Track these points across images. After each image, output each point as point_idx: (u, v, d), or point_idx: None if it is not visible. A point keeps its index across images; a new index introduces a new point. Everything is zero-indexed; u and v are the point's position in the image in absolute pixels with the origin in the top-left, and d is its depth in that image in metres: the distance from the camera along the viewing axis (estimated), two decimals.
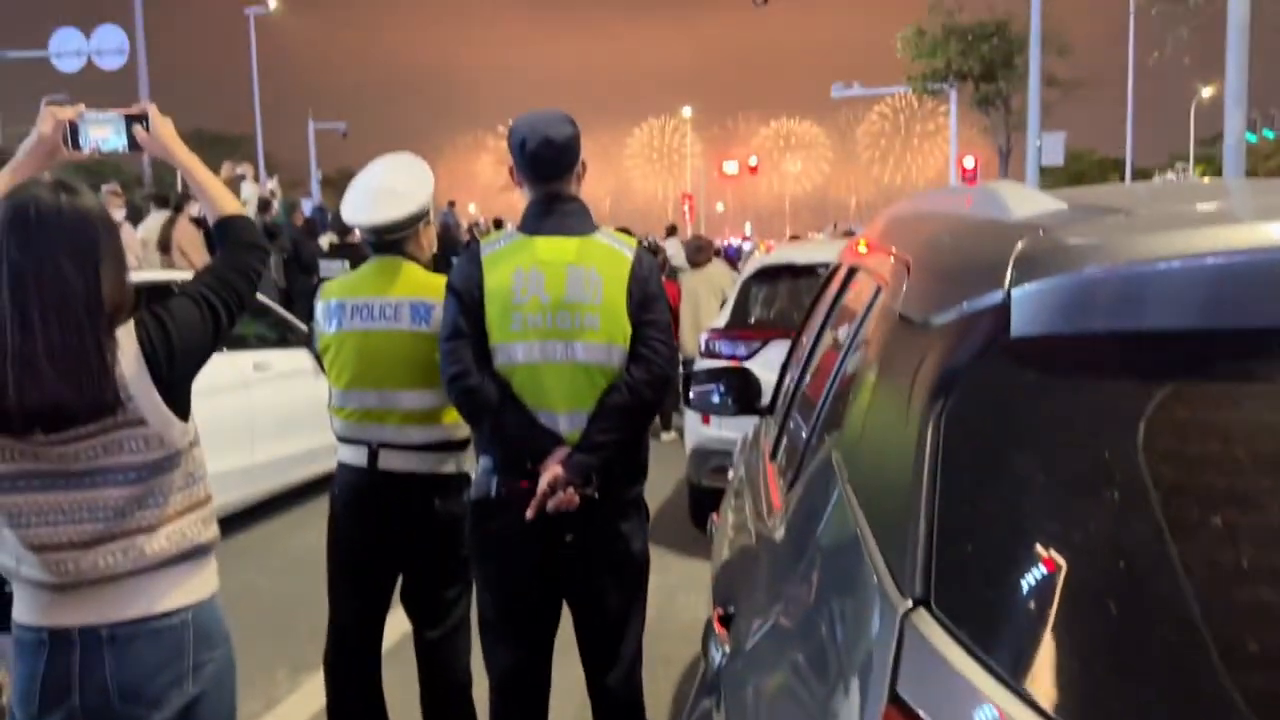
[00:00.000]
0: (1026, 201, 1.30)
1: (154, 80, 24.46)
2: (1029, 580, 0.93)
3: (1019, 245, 1.09)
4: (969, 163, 27.29)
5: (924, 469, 1.04)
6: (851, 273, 2.28)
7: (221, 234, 2.17)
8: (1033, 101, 20.55)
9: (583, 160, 2.94)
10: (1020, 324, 1.04)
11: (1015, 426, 1.03)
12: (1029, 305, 1.03)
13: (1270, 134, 31.46)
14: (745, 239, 36.70)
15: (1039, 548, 0.94)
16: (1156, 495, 0.92)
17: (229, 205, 2.20)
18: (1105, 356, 1.01)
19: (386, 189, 3.27)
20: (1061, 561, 0.92)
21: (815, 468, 1.52)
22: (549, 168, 2.83)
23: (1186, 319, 0.99)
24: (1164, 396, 0.98)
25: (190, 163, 2.19)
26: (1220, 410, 0.98)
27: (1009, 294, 1.05)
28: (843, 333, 1.99)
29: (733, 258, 21.95)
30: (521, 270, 2.77)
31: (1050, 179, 49.26)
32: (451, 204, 23.30)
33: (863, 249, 2.16)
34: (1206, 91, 38.16)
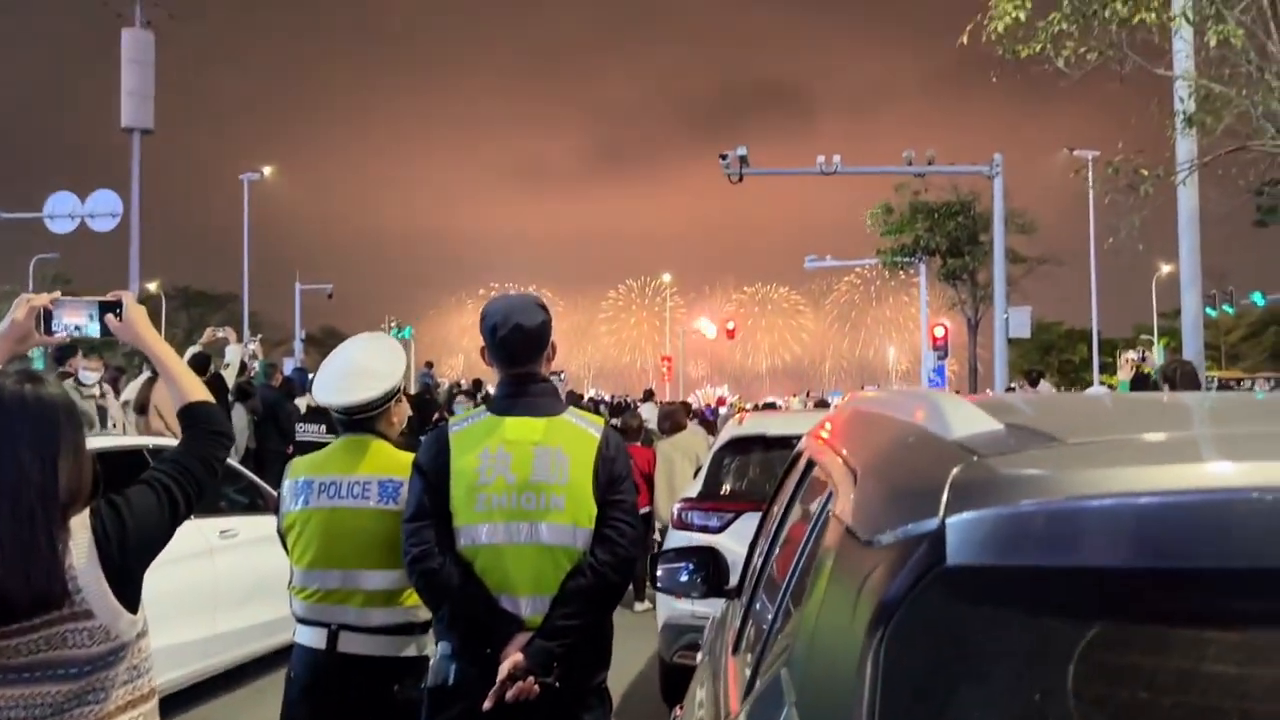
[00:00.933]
0: (966, 420, 1.33)
1: (145, 239, 24.94)
2: None
3: (954, 472, 1.11)
4: (939, 332, 27.83)
5: (864, 699, 1.03)
6: (810, 466, 2.30)
7: (187, 421, 2.18)
8: (998, 279, 21.24)
9: (552, 343, 3.01)
10: (955, 552, 1.05)
11: (952, 658, 1.03)
12: (963, 534, 1.05)
13: (1230, 309, 32.42)
14: (721, 403, 36.91)
15: None
16: None
17: (195, 392, 2.22)
18: (1039, 591, 1.01)
19: (359, 370, 3.31)
20: None
21: (766, 685, 1.50)
22: (520, 353, 2.89)
23: (1120, 558, 0.99)
24: (1095, 636, 0.97)
25: (160, 350, 2.22)
26: (1151, 655, 0.97)
27: (944, 522, 1.06)
28: (800, 530, 1.99)
29: (711, 420, 22.06)
30: (489, 451, 2.79)
31: (1019, 349, 50.31)
32: (430, 365, 23.43)
33: (820, 442, 2.18)
34: (1166, 269, 39.48)
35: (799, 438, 2.90)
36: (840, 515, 1.42)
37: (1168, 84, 11.21)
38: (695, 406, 26.80)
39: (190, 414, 2.19)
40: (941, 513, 1.07)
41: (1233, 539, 0.97)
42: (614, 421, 16.83)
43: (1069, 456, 1.16)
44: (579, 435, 2.85)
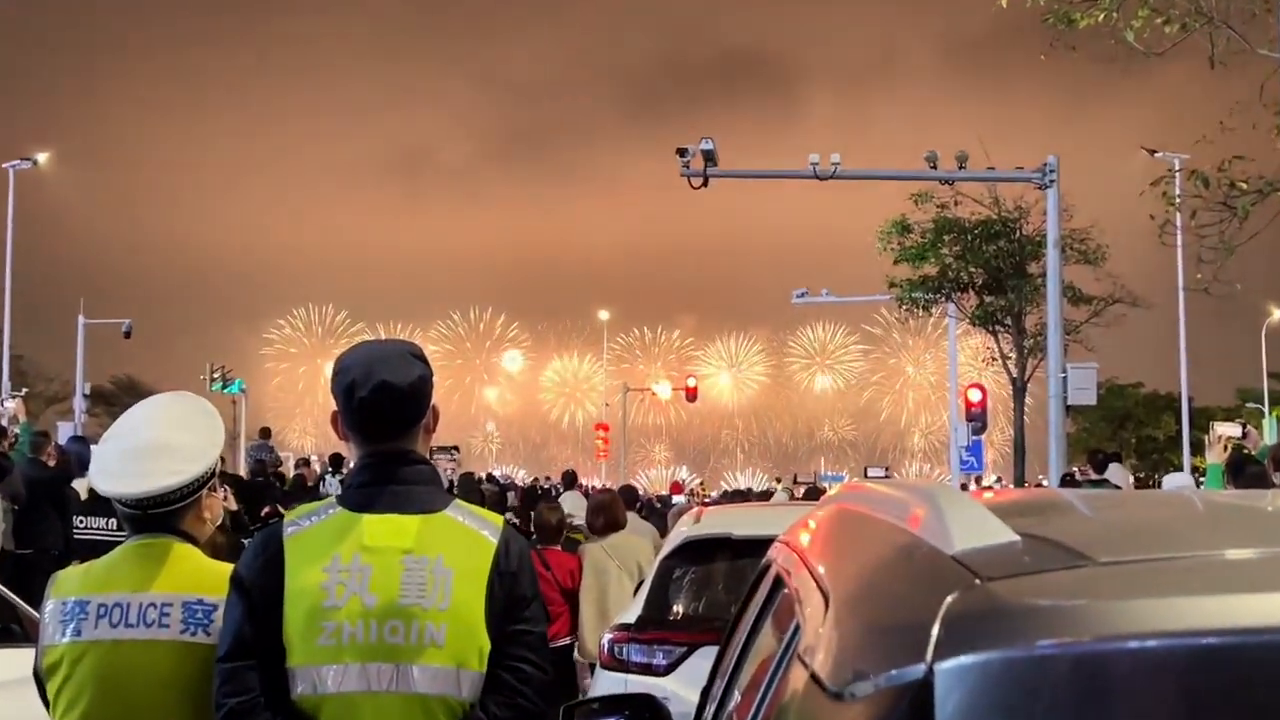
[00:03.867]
0: (971, 527, 1.38)
1: None
2: None
3: (948, 600, 1.15)
4: (974, 396, 28.23)
5: None
6: (778, 584, 2.34)
7: None
8: (1052, 324, 21.53)
9: (434, 407, 3.03)
10: (946, 709, 1.08)
11: None
12: (957, 686, 1.08)
13: None
14: (677, 490, 36.96)
15: None
16: None
17: None
18: None
19: (156, 445, 3.28)
20: None
21: None
22: (387, 422, 2.91)
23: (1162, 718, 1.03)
24: None
25: None
26: None
27: (931, 669, 1.10)
28: (762, 674, 2.03)
29: (664, 512, 22.05)
30: (340, 561, 2.79)
31: (1084, 420, 50.77)
32: (266, 434, 23.11)
33: (792, 551, 2.23)
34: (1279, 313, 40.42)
35: (773, 541, 2.94)
36: (805, 656, 1.45)
37: (1275, 68, 11.56)
38: (642, 494, 26.76)
39: None
40: (929, 656, 1.10)
41: None
42: (516, 519, 16.78)
43: (1103, 580, 1.20)
44: (468, 540, 2.86)
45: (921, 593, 1.23)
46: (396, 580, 2.78)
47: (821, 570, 1.72)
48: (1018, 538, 1.35)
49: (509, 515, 16.60)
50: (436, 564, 2.80)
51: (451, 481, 26.75)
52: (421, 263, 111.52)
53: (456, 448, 49.81)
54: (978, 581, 1.20)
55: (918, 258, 29.74)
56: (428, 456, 3.06)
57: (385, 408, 2.89)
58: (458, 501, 2.97)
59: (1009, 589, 1.17)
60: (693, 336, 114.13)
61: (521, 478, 57.52)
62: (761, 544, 6.90)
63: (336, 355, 3.06)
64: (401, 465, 2.93)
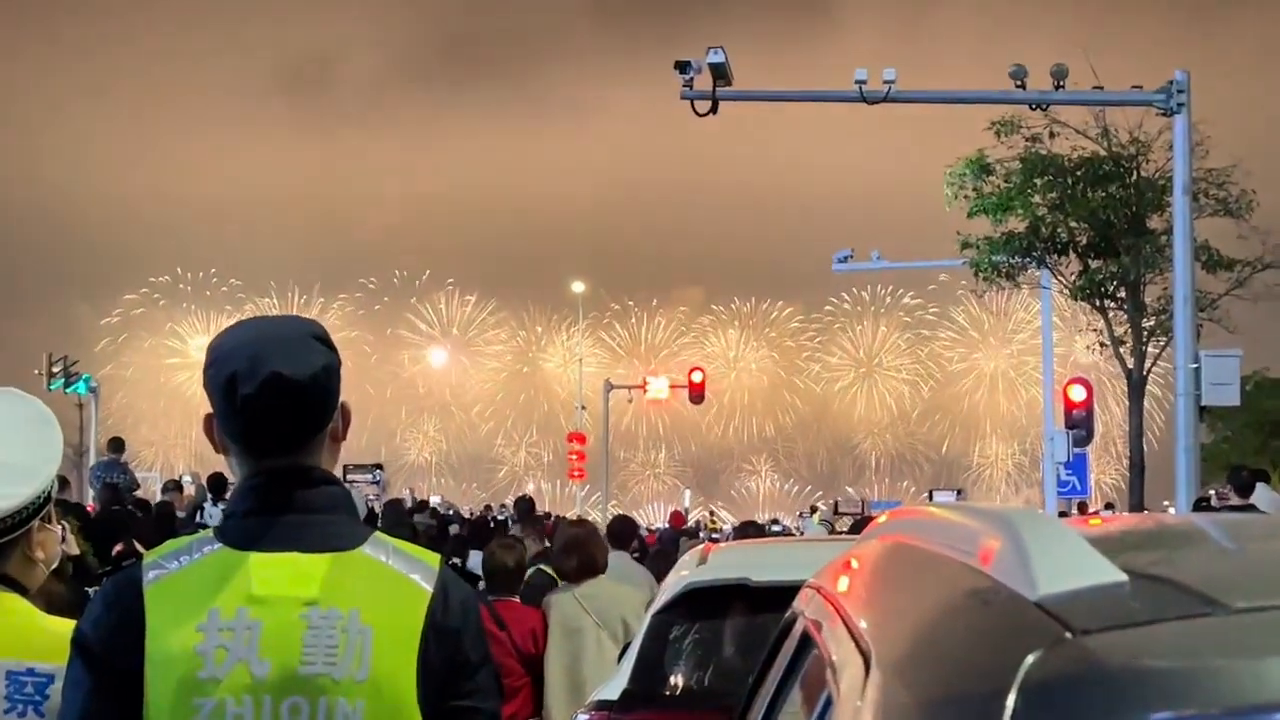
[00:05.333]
0: (1062, 564, 1.38)
1: None
2: None
3: (1029, 661, 1.15)
4: (1077, 394, 28.27)
5: None
6: (806, 643, 2.34)
7: None
8: (1179, 297, 21.53)
9: (343, 407, 3.03)
10: None
11: None
12: None
13: None
14: (678, 522, 36.90)
15: None
16: None
17: None
18: None
19: None
20: None
21: None
22: (281, 428, 2.90)
23: None
24: None
25: None
26: None
27: None
28: None
29: (669, 550, 22.05)
30: (219, 617, 2.79)
31: (1224, 426, 50.79)
32: (119, 446, 23.08)
33: (825, 600, 2.24)
34: None
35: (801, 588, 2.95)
36: None
37: None
38: (643, 527, 26.66)
39: None
40: None
41: None
42: (456, 560, 16.80)
43: (1237, 633, 1.20)
44: (393, 587, 2.87)
45: (994, 652, 1.23)
46: (297, 641, 2.78)
47: (862, 624, 1.72)
48: (1125, 577, 1.35)
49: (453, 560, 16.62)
50: (351, 619, 2.80)
51: (373, 510, 26.74)
52: (330, 215, 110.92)
53: (380, 466, 49.83)
54: (1069, 635, 1.20)
55: (1000, 209, 29.63)
56: (338, 474, 3.05)
57: (278, 409, 2.88)
58: (379, 535, 2.97)
59: (1111, 645, 1.17)
60: (698, 315, 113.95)
61: (468, 506, 57.37)
62: (788, 593, 6.93)
63: (217, 337, 3.04)
64: (301, 487, 2.92)
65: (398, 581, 2.88)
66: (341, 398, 3.02)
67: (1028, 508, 2.01)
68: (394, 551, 2.93)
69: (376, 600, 2.84)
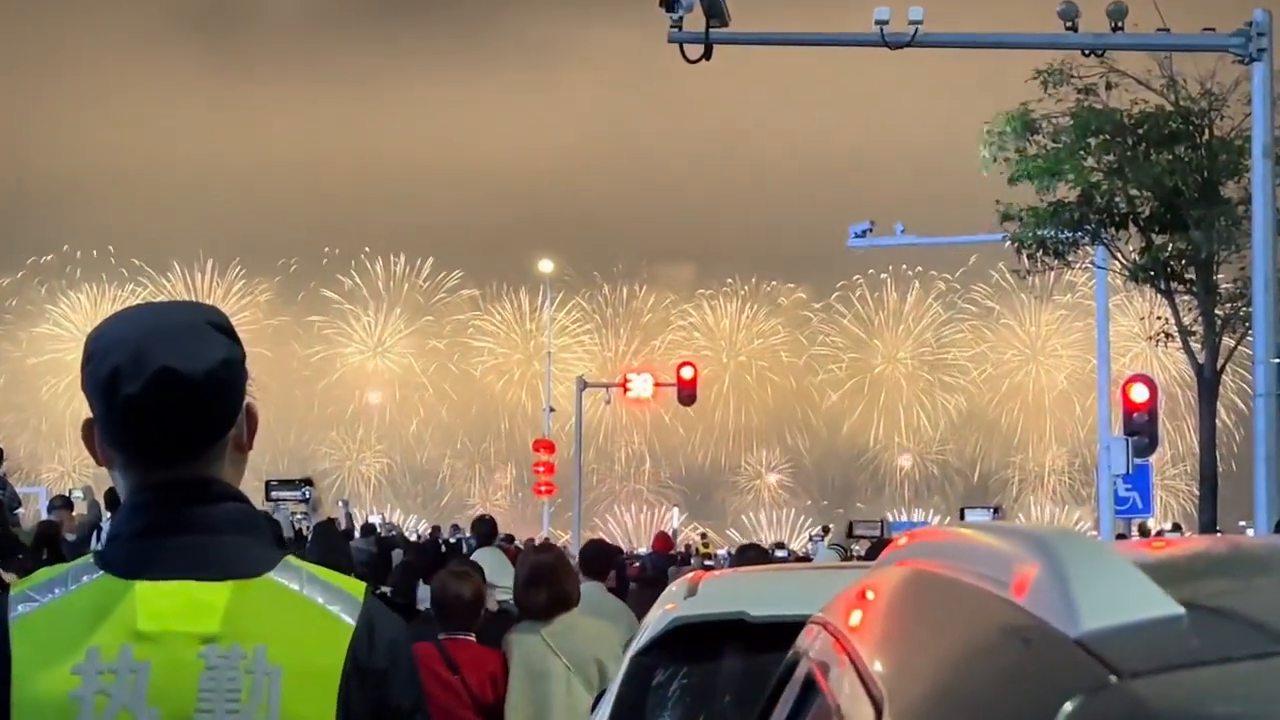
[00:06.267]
0: (1107, 594, 1.38)
1: None
2: None
3: (1068, 709, 1.15)
4: (1139, 395, 28.33)
5: None
6: (809, 688, 2.35)
7: None
8: (1259, 278, 21.55)
9: (249, 406, 3.04)
10: None
11: None
12: None
13: None
14: (662, 546, 36.89)
15: None
16: None
17: None
18: None
19: None
20: None
21: None
22: (172, 435, 2.91)
23: None
24: None
25: None
26: None
27: None
28: None
29: (654, 578, 22.07)
30: (100, 657, 2.80)
31: None
32: None
33: (832, 637, 2.25)
34: None
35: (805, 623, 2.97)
36: None
37: None
38: (623, 551, 26.57)
39: None
40: None
41: None
42: (391, 587, 16.79)
43: None
44: (308, 620, 2.88)
45: (1026, 699, 1.23)
46: (191, 685, 2.80)
47: (875, 666, 1.73)
48: (1181, 610, 1.35)
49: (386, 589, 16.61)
50: (256, 659, 2.81)
51: (301, 533, 26.68)
52: (249, 184, 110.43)
53: (309, 481, 49.55)
54: (1114, 679, 1.21)
55: (1047, 174, 29.56)
56: (239, 488, 3.03)
57: (169, 411, 2.88)
58: (291, 560, 2.97)
59: (1164, 689, 1.18)
60: (689, 299, 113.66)
61: (418, 528, 57.30)
62: (792, 630, 6.95)
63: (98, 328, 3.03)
64: (198, 503, 2.93)
65: (314, 614, 2.88)
66: (249, 398, 3.01)
67: (1068, 529, 2.00)
68: (310, 579, 2.93)
69: (288, 636, 2.84)
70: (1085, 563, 1.49)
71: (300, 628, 2.85)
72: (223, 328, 2.98)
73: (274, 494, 37.96)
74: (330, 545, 18.15)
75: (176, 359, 2.87)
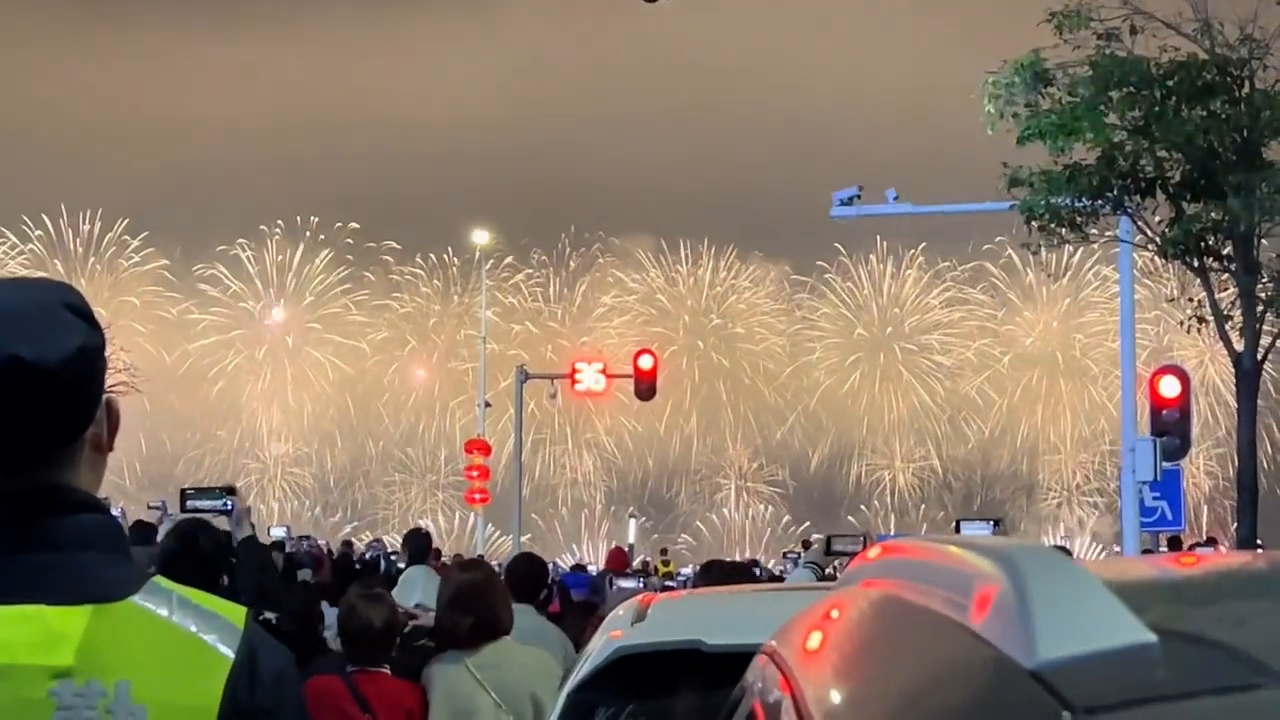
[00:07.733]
0: (1070, 621, 1.40)
1: None
2: None
3: None
4: (1169, 388, 28.40)
5: None
6: None
7: None
8: None
9: (109, 401, 3.04)
10: None
11: None
12: None
13: None
14: (618, 562, 36.98)
15: None
16: None
17: None
18: None
19: None
20: None
21: None
22: (18, 433, 2.92)
23: None
24: None
25: None
26: None
27: None
28: None
29: (595, 604, 22.11)
30: None
31: None
32: None
33: (777, 668, 2.26)
34: None
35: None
36: None
37: None
38: (553, 572, 26.51)
39: None
40: None
41: None
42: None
43: None
44: (179, 650, 2.88)
45: None
46: None
47: (814, 703, 1.74)
48: (1153, 638, 1.36)
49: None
50: (118, 696, 2.82)
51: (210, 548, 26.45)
52: (132, 142, 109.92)
53: (233, 490, 48.93)
54: (1067, 715, 1.21)
55: (1062, 132, 29.59)
56: (99, 495, 3.04)
57: (16, 407, 2.88)
58: (159, 582, 2.96)
59: None
60: (645, 277, 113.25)
61: (330, 542, 57.10)
62: (743, 659, 7.00)
63: None
64: (50, 514, 2.94)
65: (186, 644, 2.89)
66: (106, 394, 3.01)
67: (1037, 544, 2.00)
68: (181, 603, 2.93)
69: (155, 669, 2.84)
70: (1049, 584, 1.50)
71: (169, 660, 2.85)
72: (79, 309, 2.96)
73: (190, 503, 37.26)
74: (261, 564, 17.78)
75: (25, 347, 2.86)
